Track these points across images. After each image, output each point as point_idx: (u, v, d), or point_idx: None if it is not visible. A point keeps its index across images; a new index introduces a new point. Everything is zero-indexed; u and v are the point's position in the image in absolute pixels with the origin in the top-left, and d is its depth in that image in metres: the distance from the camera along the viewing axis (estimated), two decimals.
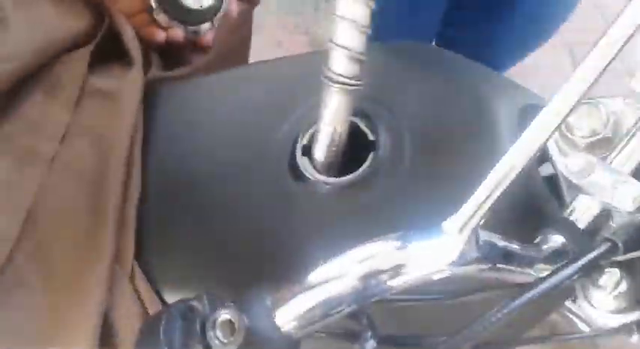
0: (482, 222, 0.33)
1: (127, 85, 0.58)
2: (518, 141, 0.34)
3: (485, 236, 0.35)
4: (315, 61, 0.49)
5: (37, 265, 0.51)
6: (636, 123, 0.45)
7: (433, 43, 1.56)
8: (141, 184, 0.55)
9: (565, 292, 0.48)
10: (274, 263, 0.49)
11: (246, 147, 0.56)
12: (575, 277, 0.37)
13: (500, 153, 0.50)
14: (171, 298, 0.54)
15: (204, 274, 0.53)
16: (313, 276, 0.34)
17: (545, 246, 0.41)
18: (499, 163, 0.34)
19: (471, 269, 0.35)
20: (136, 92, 0.58)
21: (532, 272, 0.40)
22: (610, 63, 0.36)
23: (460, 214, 0.33)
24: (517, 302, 0.34)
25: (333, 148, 0.51)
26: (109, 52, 0.63)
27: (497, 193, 0.33)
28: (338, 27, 0.45)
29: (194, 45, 0.73)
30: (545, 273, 0.41)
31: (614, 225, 0.40)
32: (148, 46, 0.68)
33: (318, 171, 0.52)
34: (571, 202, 0.44)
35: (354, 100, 0.48)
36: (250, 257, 0.51)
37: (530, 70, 1.71)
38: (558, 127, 0.35)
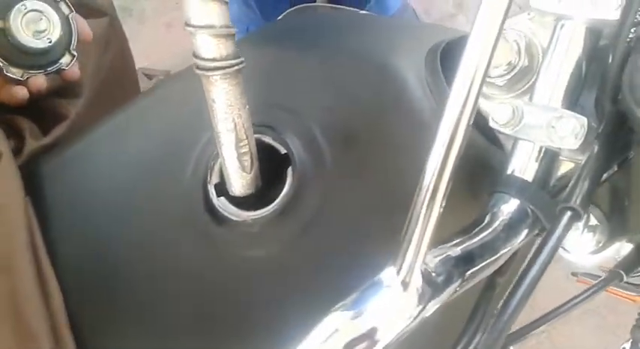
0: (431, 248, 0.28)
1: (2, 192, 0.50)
2: (436, 141, 0.28)
3: (434, 257, 0.30)
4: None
5: None
6: (551, 40, 0.40)
7: None
8: (60, 282, 0.48)
9: None
10: (220, 322, 0.44)
11: (158, 200, 0.48)
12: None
13: (418, 121, 0.45)
14: None
15: None
16: None
17: (498, 221, 0.36)
18: (424, 176, 0.28)
19: (444, 297, 0.30)
20: (13, 192, 0.49)
21: (501, 253, 0.36)
22: None
23: (401, 260, 0.27)
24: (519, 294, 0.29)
25: (246, 171, 0.44)
26: None
27: (434, 219, 0.27)
28: (190, 6, 0.38)
29: (62, 82, 0.64)
30: (509, 246, 0.37)
31: (570, 184, 0.34)
32: (16, 111, 0.59)
33: (239, 206, 0.45)
34: (511, 153, 0.39)
35: (242, 83, 0.41)
36: (194, 321, 0.45)
37: None
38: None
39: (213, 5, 0.38)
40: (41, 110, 0.62)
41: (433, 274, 0.29)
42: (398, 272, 0.27)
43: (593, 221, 0.41)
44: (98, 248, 0.50)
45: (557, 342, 1.31)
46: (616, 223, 0.39)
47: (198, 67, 0.40)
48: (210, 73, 0.40)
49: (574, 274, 0.54)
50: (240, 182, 0.45)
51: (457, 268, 0.30)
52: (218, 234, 0.44)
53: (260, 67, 0.41)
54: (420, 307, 0.27)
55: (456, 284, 0.30)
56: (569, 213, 0.30)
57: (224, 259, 0.45)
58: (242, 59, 0.40)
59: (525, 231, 0.37)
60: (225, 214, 0.44)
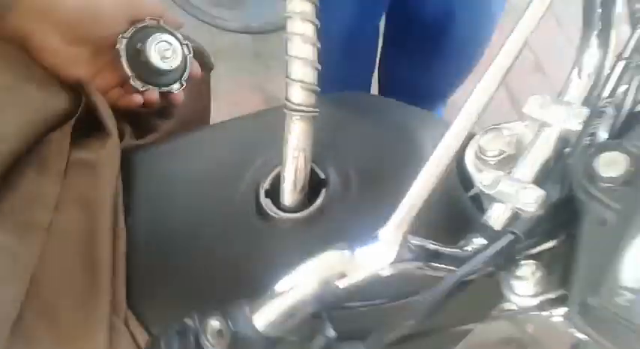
0: (412, 228, 0.42)
1: (105, 154, 0.67)
2: (432, 157, 0.44)
3: (417, 241, 0.44)
4: (267, 117, 0.59)
5: (44, 322, 0.58)
6: (532, 141, 0.56)
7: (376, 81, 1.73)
8: (127, 240, 0.63)
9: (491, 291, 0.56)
10: (250, 290, 0.57)
11: (216, 198, 0.65)
12: (489, 268, 0.46)
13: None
14: None
15: (189, 309, 0.60)
16: (281, 286, 0.43)
17: (468, 247, 0.50)
18: (419, 176, 0.43)
19: (408, 266, 0.43)
20: (113, 161, 0.66)
21: (460, 270, 0.49)
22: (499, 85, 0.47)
23: (392, 222, 0.42)
24: (439, 288, 0.42)
25: (297, 191, 0.60)
26: (87, 125, 0.72)
27: (420, 202, 0.42)
28: (293, 65, 0.56)
29: (167, 103, 0.83)
30: (469, 268, 0.50)
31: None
32: (123, 116, 0.77)
33: (281, 210, 0.61)
34: (488, 210, 0.54)
35: (313, 127, 0.58)
36: (228, 289, 0.59)
37: None
38: (464, 142, 0.45)
39: (310, 69, 0.56)
40: (139, 122, 0.80)
41: (409, 245, 0.43)
42: (388, 230, 0.42)
43: (537, 275, 0.54)
44: (165, 228, 0.65)
45: None
46: (556, 278, 0.52)
47: (287, 108, 0.57)
48: (293, 113, 0.57)
49: None
50: (291, 198, 0.61)
51: (425, 255, 0.44)
52: (261, 224, 0.61)
53: (322, 117, 0.58)
54: (394, 260, 0.41)
55: (418, 264, 0.44)
56: (510, 235, 0.44)
57: (264, 243, 0.61)
58: (317, 110, 0.57)
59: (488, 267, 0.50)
60: (269, 212, 0.60)
